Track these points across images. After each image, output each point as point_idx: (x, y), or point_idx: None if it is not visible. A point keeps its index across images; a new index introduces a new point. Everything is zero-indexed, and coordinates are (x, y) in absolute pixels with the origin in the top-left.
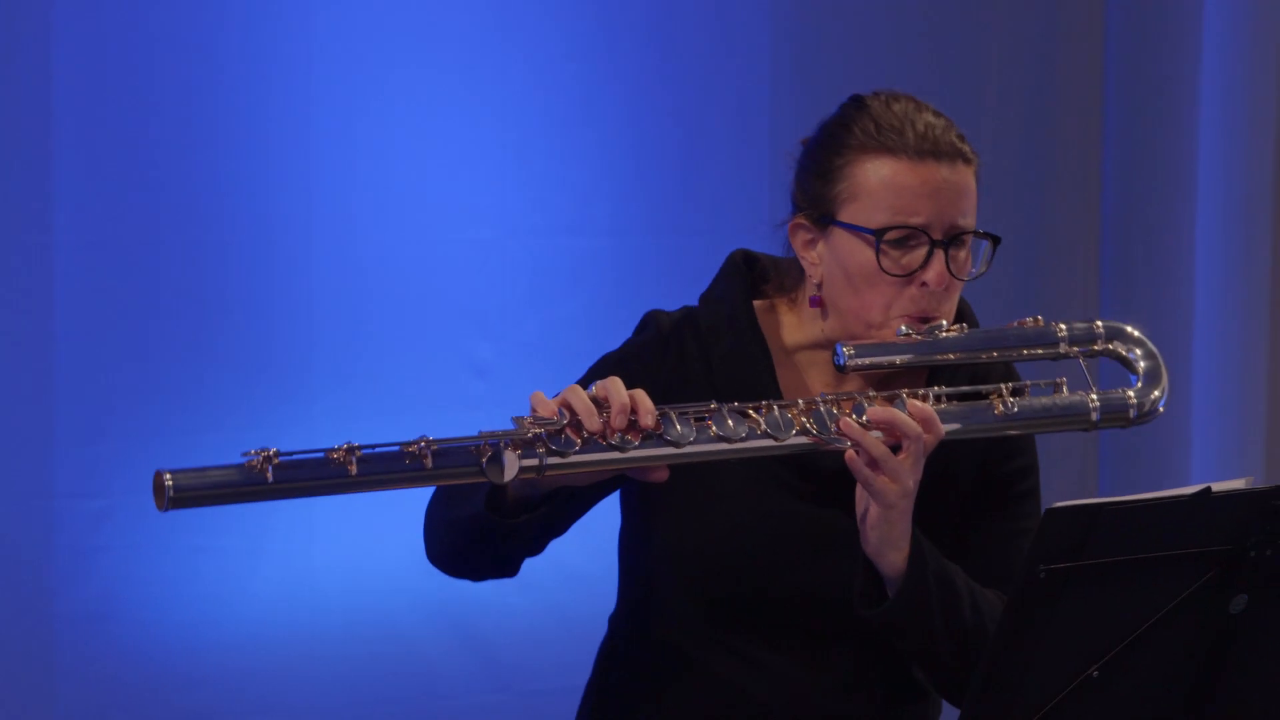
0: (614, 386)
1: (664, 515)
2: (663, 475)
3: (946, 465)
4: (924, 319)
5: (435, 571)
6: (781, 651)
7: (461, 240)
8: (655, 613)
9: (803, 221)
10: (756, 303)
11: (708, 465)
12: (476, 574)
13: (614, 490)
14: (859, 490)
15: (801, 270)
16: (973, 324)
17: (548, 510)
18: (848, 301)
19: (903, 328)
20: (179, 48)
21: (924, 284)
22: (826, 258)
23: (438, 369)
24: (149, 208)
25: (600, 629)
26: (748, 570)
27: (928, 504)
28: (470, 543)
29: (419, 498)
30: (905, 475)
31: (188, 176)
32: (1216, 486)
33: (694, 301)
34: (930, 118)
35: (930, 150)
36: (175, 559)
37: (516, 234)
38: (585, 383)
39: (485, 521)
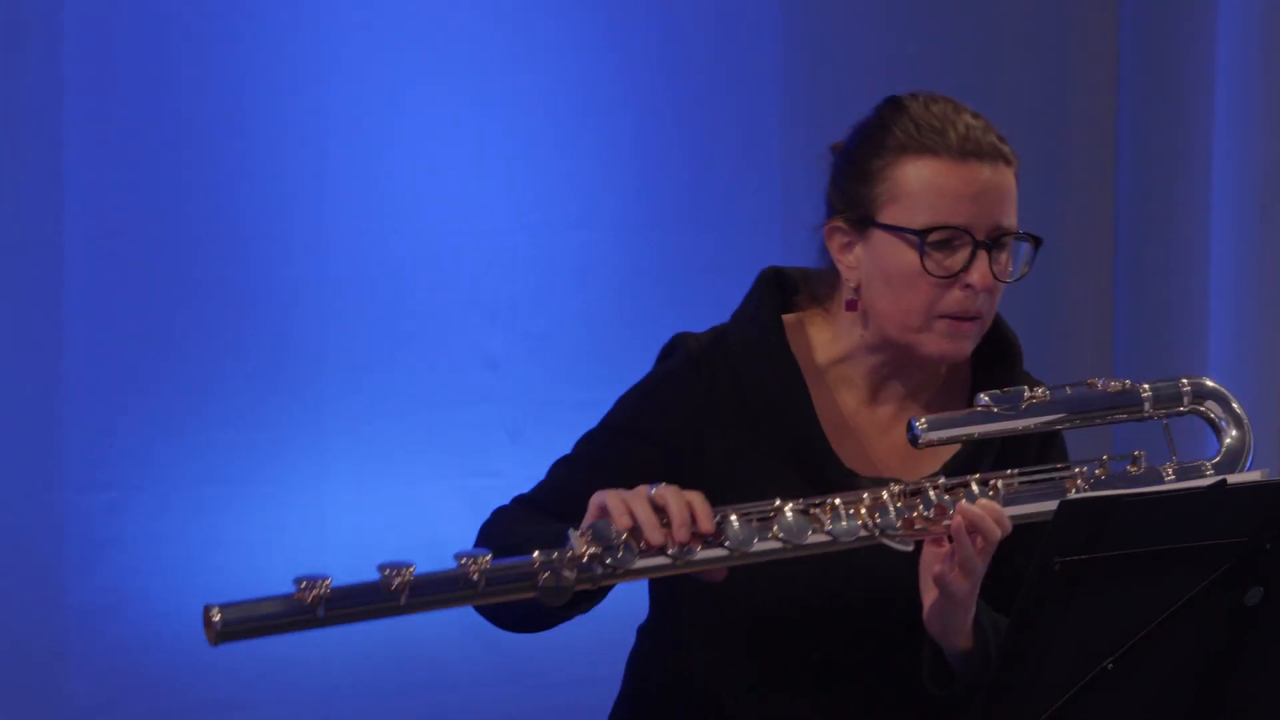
0: (673, 497)
1: None
2: (720, 576)
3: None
4: (968, 318)
5: (445, 560)
6: (811, 665)
7: (471, 233)
8: (686, 623)
9: (840, 224)
10: (787, 318)
11: (738, 489)
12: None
13: None
14: (923, 576)
15: (834, 280)
16: (1003, 332)
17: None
18: (886, 304)
19: (983, 396)
20: (191, 40)
21: (968, 285)
22: (865, 261)
23: (448, 361)
24: (159, 201)
25: (612, 623)
26: (777, 586)
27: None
28: (516, 620)
29: (431, 492)
30: (978, 569)
31: (199, 170)
32: (1232, 479)
33: (706, 296)
34: (970, 118)
35: (973, 151)
36: (186, 551)
37: (526, 228)
38: (611, 421)
39: (539, 610)
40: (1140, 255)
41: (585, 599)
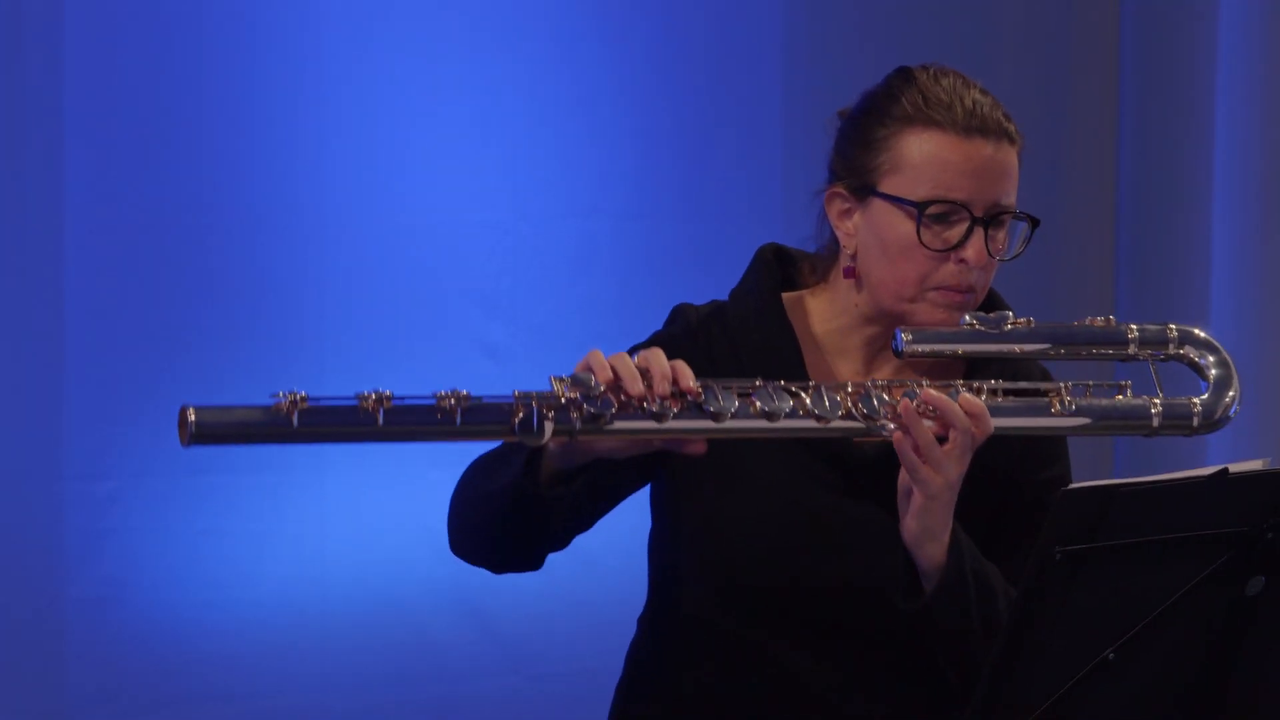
0: (656, 356)
1: (693, 508)
2: (700, 449)
3: (979, 476)
4: (956, 292)
5: (447, 554)
6: (811, 648)
7: (472, 224)
8: (685, 611)
9: (841, 190)
10: (785, 295)
11: (738, 457)
12: (501, 557)
13: (644, 484)
14: (901, 483)
15: (833, 255)
16: (999, 307)
17: (586, 481)
18: (882, 273)
19: (966, 317)
20: (191, 33)
21: (962, 260)
22: (863, 228)
23: (449, 351)
24: (160, 193)
25: (612, 612)
26: (777, 562)
27: (959, 514)
28: (502, 518)
29: (432, 482)
30: (950, 467)
31: (199, 162)
32: (1234, 468)
33: (707, 285)
34: (978, 94)
35: (978, 127)
36: (186, 541)
37: (528, 217)
38: None
39: (521, 491)
40: (1140, 245)
41: (573, 517)
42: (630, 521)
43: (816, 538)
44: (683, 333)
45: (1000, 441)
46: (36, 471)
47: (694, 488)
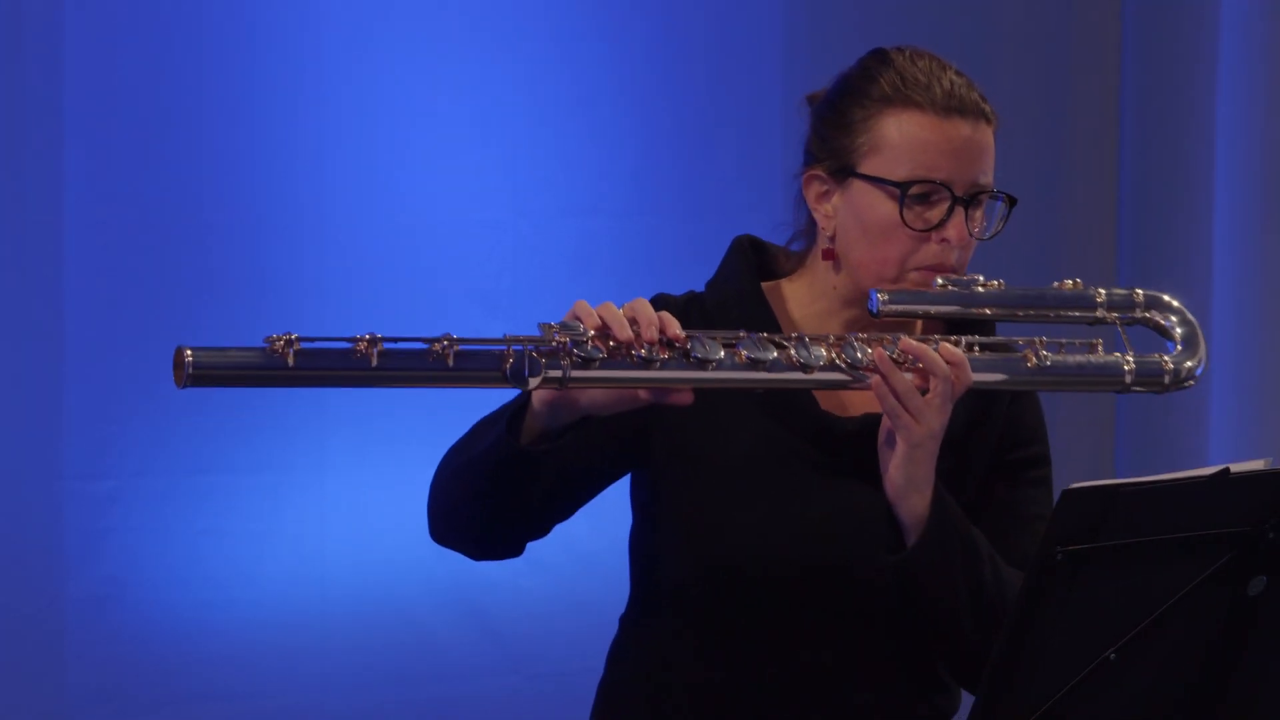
0: (642, 305)
1: (677, 495)
2: (687, 398)
3: (960, 457)
4: (940, 271)
5: (446, 554)
6: (802, 629)
7: (472, 222)
8: (671, 603)
9: (819, 173)
10: (764, 284)
11: (720, 441)
12: (482, 533)
13: (624, 470)
14: (882, 434)
15: (811, 241)
16: None
17: (571, 439)
18: (862, 254)
19: (939, 279)
20: (191, 31)
21: (944, 240)
22: (842, 210)
23: None
24: (159, 191)
25: (611, 612)
26: (765, 543)
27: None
28: (486, 484)
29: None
30: (931, 416)
31: (199, 161)
32: (1235, 467)
33: (697, 283)
34: (954, 75)
35: (956, 107)
36: (186, 541)
37: (528, 215)
38: None
39: (506, 449)
40: (1143, 237)
41: (551, 499)
42: (629, 521)
43: (804, 516)
44: None
45: (979, 425)
46: (36, 471)
47: (677, 474)
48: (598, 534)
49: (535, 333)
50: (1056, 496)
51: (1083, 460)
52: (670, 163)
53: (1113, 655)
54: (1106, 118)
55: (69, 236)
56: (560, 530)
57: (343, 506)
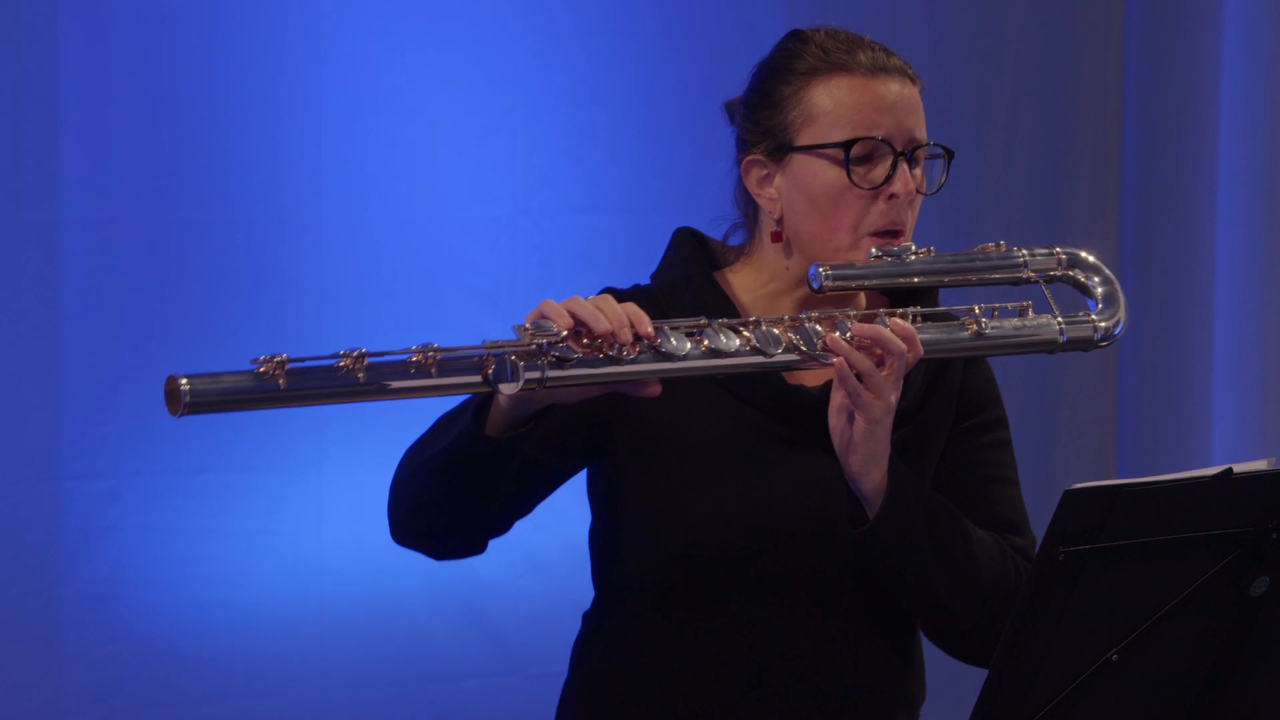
0: (608, 301)
1: (642, 482)
2: (656, 390)
3: (918, 426)
4: (893, 233)
5: None
6: (769, 606)
7: (472, 219)
8: (635, 589)
9: (757, 157)
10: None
11: (682, 421)
12: (445, 528)
13: (586, 462)
14: (835, 416)
15: (752, 227)
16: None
17: (535, 430)
18: (813, 227)
19: (873, 250)
20: (187, 26)
21: (892, 196)
22: (786, 189)
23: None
24: (156, 187)
25: None
26: (735, 519)
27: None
28: (449, 479)
29: None
30: (888, 390)
31: (195, 155)
32: (1238, 467)
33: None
34: (872, 43)
35: (881, 67)
36: (183, 540)
37: (527, 213)
38: None
39: (471, 440)
40: (1146, 238)
41: (514, 502)
42: None
43: (771, 489)
44: None
45: (932, 392)
46: (33, 470)
47: (641, 459)
48: None
49: (511, 335)
50: (1059, 497)
51: (1085, 460)
52: (670, 160)
53: (1115, 656)
54: (1109, 116)
55: (64, 234)
56: (558, 531)
57: (341, 507)
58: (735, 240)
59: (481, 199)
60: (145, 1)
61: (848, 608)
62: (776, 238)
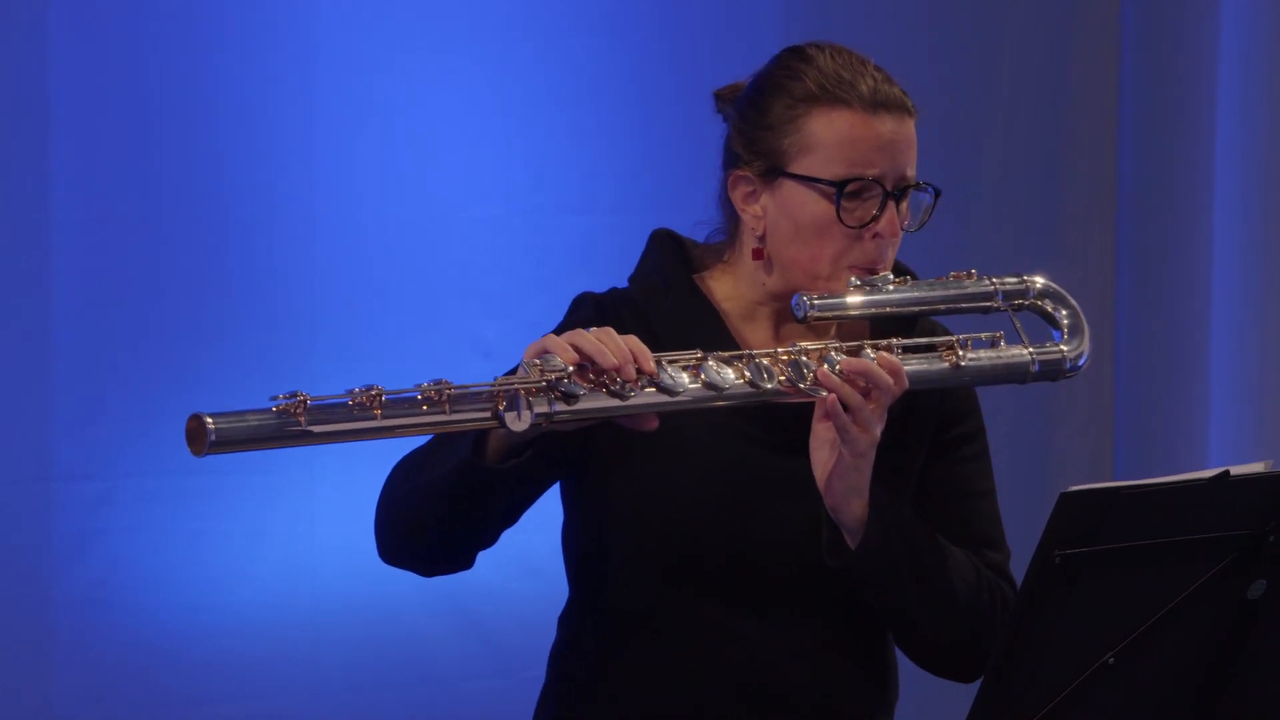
0: (611, 335)
1: (625, 486)
2: (654, 424)
3: (896, 449)
4: (870, 270)
5: None
6: (746, 610)
7: (466, 219)
8: (613, 591)
9: (746, 174)
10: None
11: (666, 427)
12: (437, 551)
13: (567, 471)
14: (819, 448)
15: (732, 235)
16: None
17: (533, 455)
18: (795, 254)
19: (854, 279)
20: (177, 25)
21: (876, 235)
22: (772, 210)
23: (442, 348)
24: (148, 188)
25: None
26: (719, 525)
27: (886, 482)
28: (449, 505)
29: None
30: (875, 424)
31: (187, 158)
32: (1235, 470)
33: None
34: (874, 70)
35: (882, 103)
36: (175, 542)
37: (522, 212)
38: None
39: (472, 469)
40: (1142, 242)
41: (508, 511)
42: None
43: (754, 496)
44: (594, 317)
45: (910, 413)
46: (25, 471)
47: (624, 466)
48: None
49: (499, 341)
50: (1055, 500)
51: (1082, 462)
52: (665, 160)
53: (1111, 660)
54: (1105, 117)
55: (56, 235)
56: (550, 534)
57: (333, 509)
58: (715, 238)
59: (476, 199)
60: (136, 1)
61: (826, 612)
62: (758, 255)
